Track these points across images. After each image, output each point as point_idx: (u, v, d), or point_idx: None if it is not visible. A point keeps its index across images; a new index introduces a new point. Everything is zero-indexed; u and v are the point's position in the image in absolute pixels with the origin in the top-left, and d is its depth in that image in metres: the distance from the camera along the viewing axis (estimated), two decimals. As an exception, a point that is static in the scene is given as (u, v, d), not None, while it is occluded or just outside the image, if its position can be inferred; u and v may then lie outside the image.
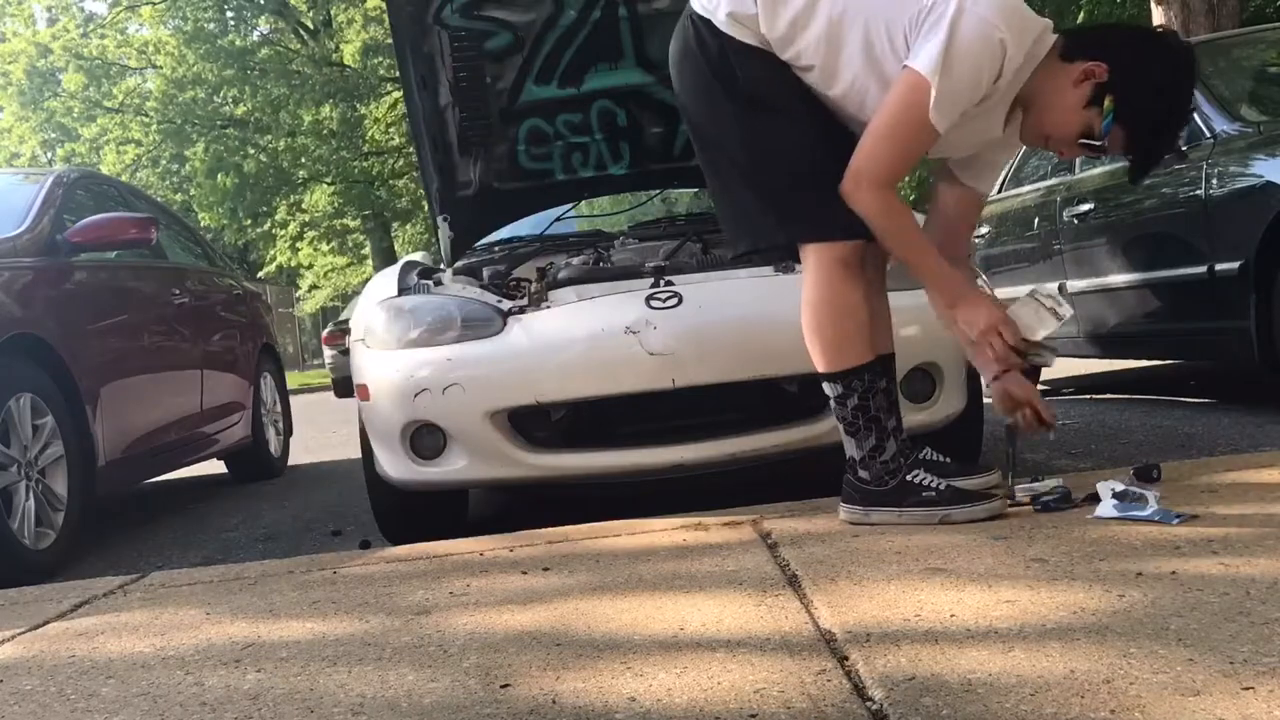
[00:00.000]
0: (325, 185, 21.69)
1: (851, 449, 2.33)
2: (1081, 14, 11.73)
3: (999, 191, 5.73)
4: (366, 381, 2.98)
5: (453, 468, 2.88)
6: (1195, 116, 3.96)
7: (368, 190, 21.53)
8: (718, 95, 2.31)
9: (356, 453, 3.31)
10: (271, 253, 25.21)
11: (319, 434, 7.90)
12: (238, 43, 22.25)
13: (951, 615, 1.63)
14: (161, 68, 22.09)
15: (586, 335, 2.81)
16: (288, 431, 5.95)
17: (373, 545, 2.97)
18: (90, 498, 3.59)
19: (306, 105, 20.26)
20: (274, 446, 5.70)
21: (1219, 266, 3.64)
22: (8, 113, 26.09)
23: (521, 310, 2.91)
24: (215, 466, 5.57)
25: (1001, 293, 5.35)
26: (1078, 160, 4.85)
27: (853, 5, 2.18)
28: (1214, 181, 3.69)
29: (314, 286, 27.23)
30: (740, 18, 2.26)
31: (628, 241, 3.56)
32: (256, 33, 24.09)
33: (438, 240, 3.74)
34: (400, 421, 2.87)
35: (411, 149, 17.82)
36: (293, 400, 6.50)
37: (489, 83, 3.57)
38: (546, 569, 2.24)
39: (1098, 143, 2.16)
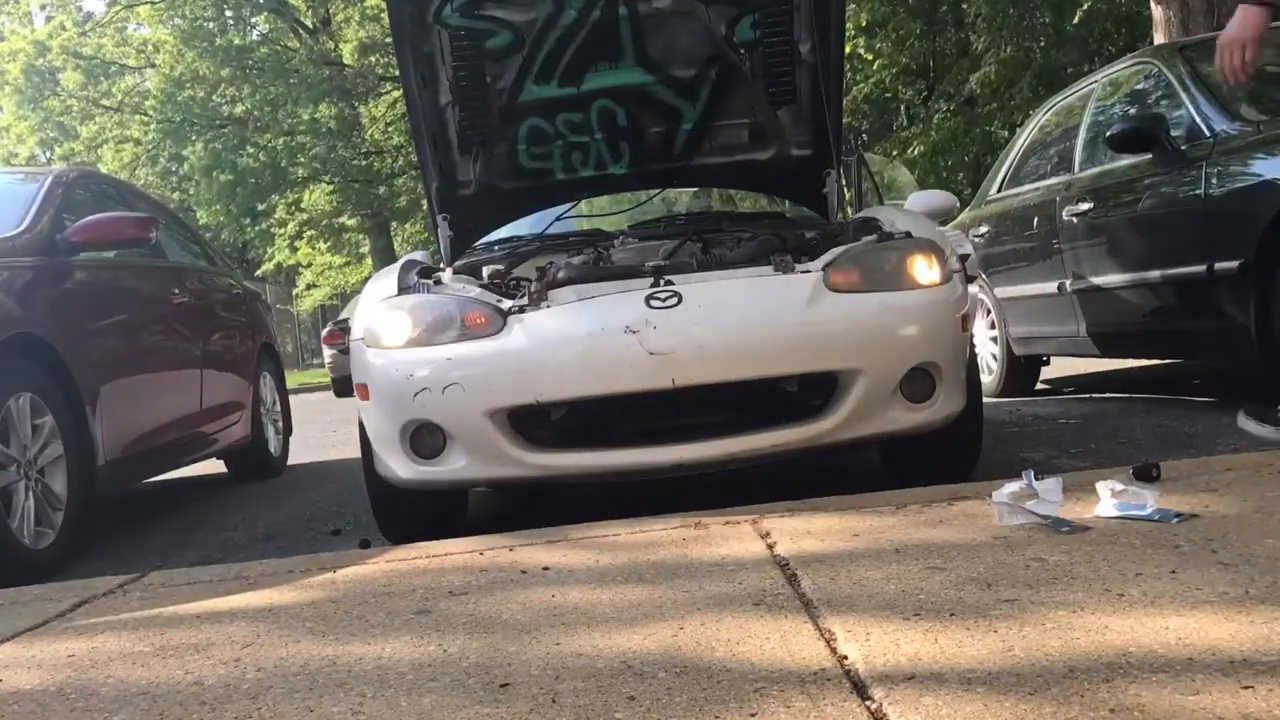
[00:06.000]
0: (324, 184, 21.68)
1: None
2: (1079, 13, 11.75)
3: (998, 190, 5.73)
4: (366, 381, 2.98)
5: (452, 467, 2.88)
6: (1195, 116, 3.96)
7: (366, 189, 21.52)
8: None
9: (356, 453, 3.31)
10: (270, 251, 25.21)
11: (319, 433, 7.89)
12: (236, 41, 22.22)
13: (951, 615, 1.63)
14: (160, 66, 22.07)
15: (586, 334, 2.81)
16: (287, 431, 5.94)
17: (373, 545, 2.97)
18: (90, 497, 3.59)
19: (305, 104, 20.23)
20: (274, 446, 5.70)
21: (1219, 265, 3.63)
22: (6, 112, 26.08)
23: (521, 310, 2.90)
24: (215, 466, 5.56)
25: (1001, 292, 5.37)
26: (1077, 159, 4.86)
27: None
28: (1214, 181, 3.69)
29: (311, 285, 27.21)
30: None
31: (627, 241, 3.56)
32: (255, 31, 24.06)
33: (437, 239, 3.74)
34: (400, 421, 2.87)
35: (410, 148, 17.86)
36: (292, 399, 6.49)
37: (489, 82, 3.57)
38: (546, 568, 2.24)
39: None
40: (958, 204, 5.02)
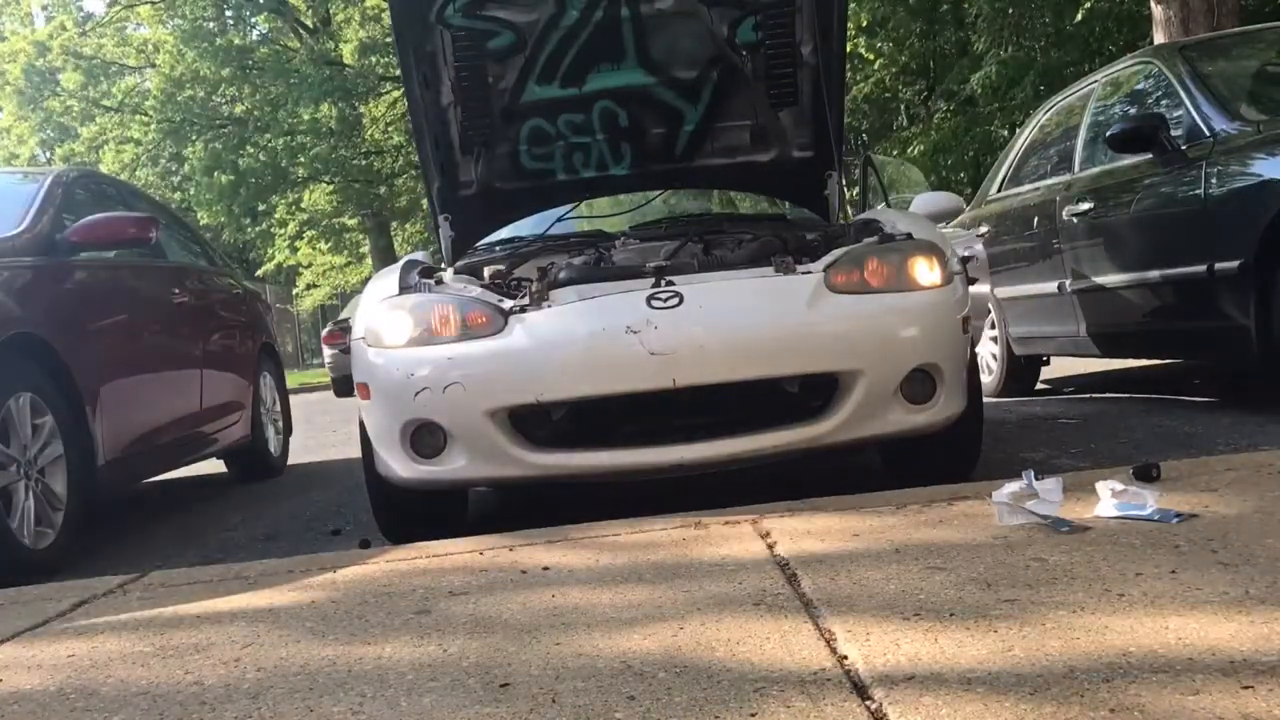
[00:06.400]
0: (324, 184, 21.69)
1: None
2: (1079, 12, 11.75)
3: (999, 190, 5.73)
4: (367, 380, 2.98)
5: (453, 466, 2.88)
6: (1195, 116, 3.96)
7: (366, 189, 21.53)
8: None
9: (356, 452, 3.31)
10: (270, 251, 25.22)
11: (319, 434, 7.89)
12: (236, 41, 22.24)
13: (951, 615, 1.63)
14: (160, 66, 22.07)
15: (587, 334, 2.81)
16: (287, 431, 5.94)
17: (373, 545, 2.97)
18: (90, 497, 3.59)
19: (305, 104, 20.23)
20: (273, 446, 5.70)
21: (1219, 265, 3.64)
22: (6, 112, 26.10)
23: (523, 309, 2.90)
24: (215, 466, 5.56)
25: (1001, 292, 5.37)
26: (1077, 159, 4.86)
27: None
28: (1214, 180, 3.69)
29: (311, 285, 27.23)
30: None
31: (629, 241, 3.56)
32: (255, 31, 24.09)
33: (438, 239, 3.74)
34: (400, 420, 2.87)
35: (410, 148, 17.85)
36: (292, 399, 6.50)
37: (491, 82, 3.57)
38: (546, 568, 2.25)
39: None
40: (964, 205, 5.03)
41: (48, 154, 28.72)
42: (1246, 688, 1.26)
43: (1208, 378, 5.24)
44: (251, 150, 20.58)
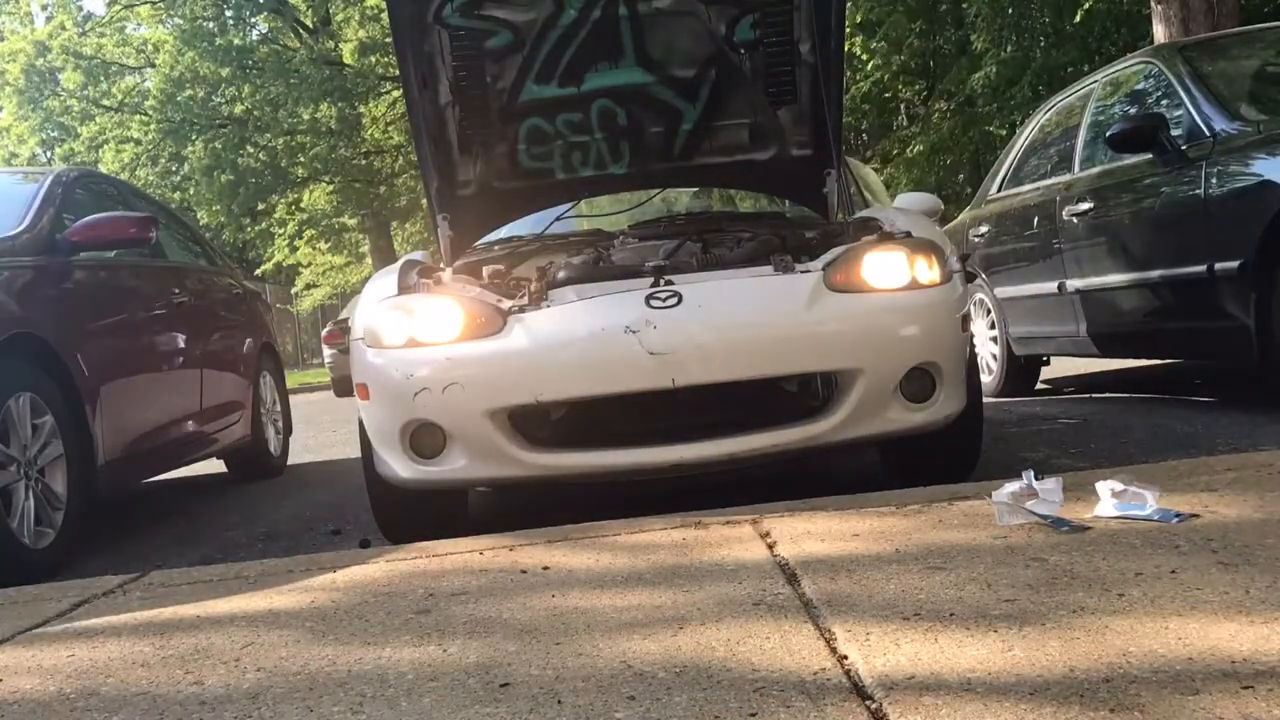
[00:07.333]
0: (324, 184, 21.69)
1: None
2: (1079, 12, 11.75)
3: (998, 190, 5.73)
4: (366, 381, 2.98)
5: (452, 467, 2.88)
6: (1195, 116, 3.96)
7: (366, 189, 21.54)
8: None
9: (356, 452, 3.31)
10: (270, 251, 25.21)
11: (319, 434, 7.89)
12: (236, 41, 22.23)
13: (951, 614, 1.63)
14: (160, 66, 22.07)
15: (586, 334, 2.81)
16: (287, 431, 5.95)
17: (372, 545, 2.97)
18: (90, 497, 3.59)
19: (305, 104, 20.23)
20: (274, 446, 5.70)
21: (1219, 265, 3.64)
22: (6, 112, 26.07)
23: (522, 309, 2.91)
24: (215, 466, 5.56)
25: (1001, 292, 5.38)
26: (1077, 159, 4.86)
27: None
28: (1214, 180, 3.69)
29: (311, 285, 27.22)
30: None
31: (628, 241, 3.56)
32: (255, 31, 24.07)
33: (437, 239, 3.74)
34: (400, 421, 2.87)
35: (411, 148, 17.86)
36: (292, 399, 6.50)
37: (489, 82, 3.57)
38: (546, 569, 2.24)
39: None
40: (941, 205, 5.07)
41: (48, 154, 28.71)
42: (1246, 688, 1.26)
43: (1208, 378, 5.24)
44: (251, 150, 20.58)
